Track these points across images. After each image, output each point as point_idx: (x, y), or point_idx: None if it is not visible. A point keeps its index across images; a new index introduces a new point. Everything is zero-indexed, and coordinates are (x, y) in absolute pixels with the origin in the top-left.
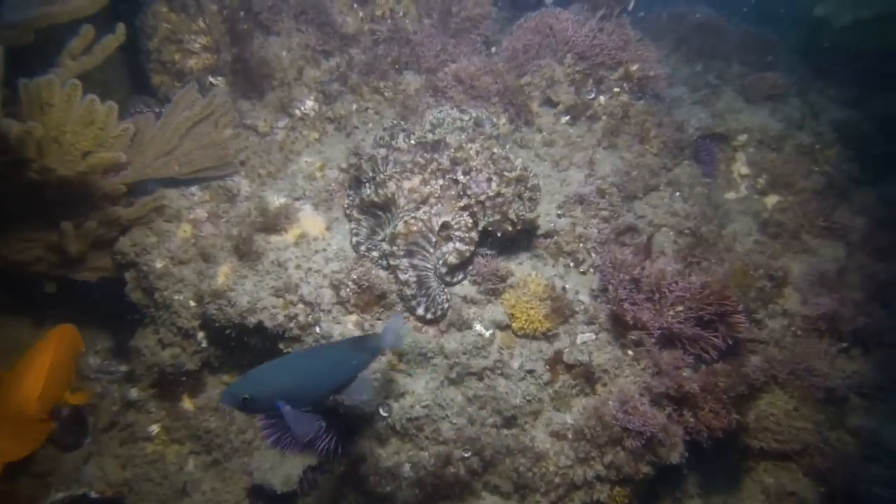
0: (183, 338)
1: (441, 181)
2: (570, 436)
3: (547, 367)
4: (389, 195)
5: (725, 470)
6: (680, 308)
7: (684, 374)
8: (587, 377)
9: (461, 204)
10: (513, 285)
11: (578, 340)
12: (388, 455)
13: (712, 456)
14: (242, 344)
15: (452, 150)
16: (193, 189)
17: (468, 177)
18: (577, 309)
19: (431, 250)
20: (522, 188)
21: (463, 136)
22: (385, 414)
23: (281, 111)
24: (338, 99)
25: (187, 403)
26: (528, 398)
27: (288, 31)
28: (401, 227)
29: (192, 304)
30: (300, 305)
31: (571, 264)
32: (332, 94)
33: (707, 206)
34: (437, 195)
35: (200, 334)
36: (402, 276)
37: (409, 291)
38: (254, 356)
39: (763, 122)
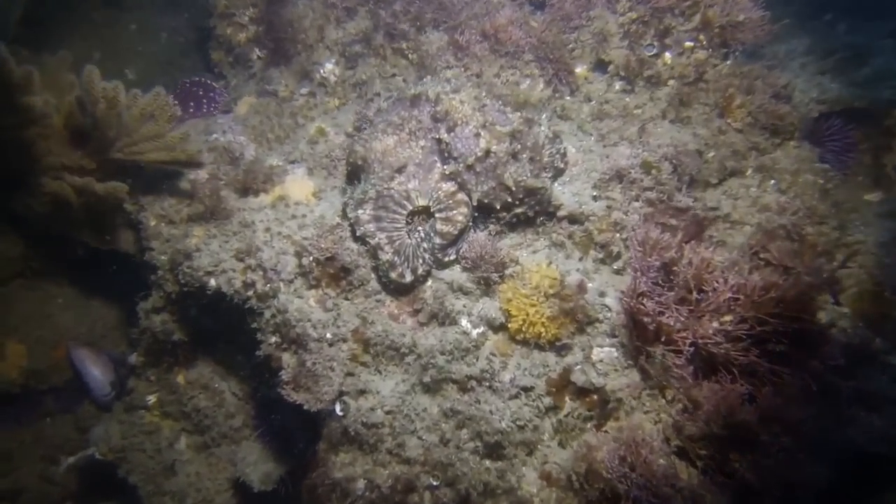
0: (168, 303)
1: (422, 142)
2: (562, 481)
3: (552, 388)
4: (359, 161)
5: None
6: (728, 318)
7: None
8: (604, 407)
9: (447, 170)
10: (513, 275)
11: (594, 356)
12: (340, 465)
13: None
14: (216, 315)
15: (433, 104)
16: (200, 150)
17: (452, 134)
18: (599, 315)
19: (403, 216)
20: (519, 146)
21: (447, 87)
22: (340, 413)
23: (304, 77)
24: (359, 62)
25: (179, 377)
26: (518, 423)
27: None
28: (371, 193)
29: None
30: (259, 272)
31: (603, 258)
32: (354, 56)
33: (820, 202)
34: (417, 161)
35: (184, 301)
36: (373, 241)
37: (384, 257)
38: (234, 332)
39: None
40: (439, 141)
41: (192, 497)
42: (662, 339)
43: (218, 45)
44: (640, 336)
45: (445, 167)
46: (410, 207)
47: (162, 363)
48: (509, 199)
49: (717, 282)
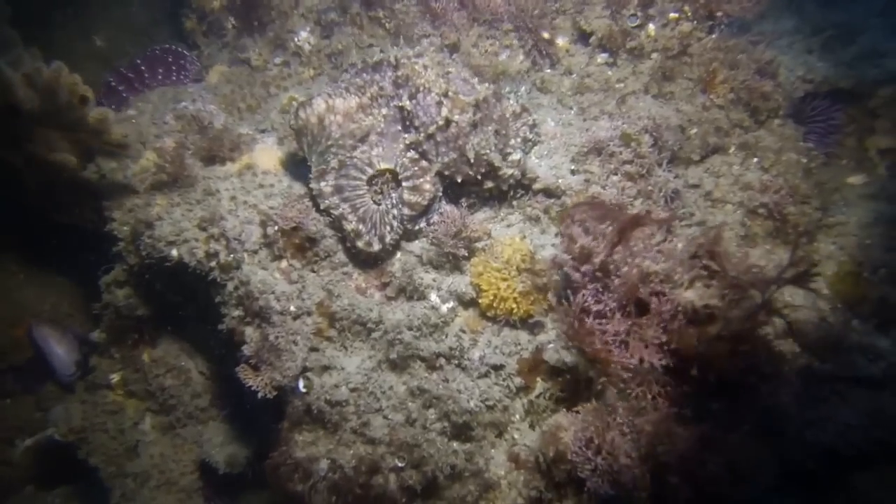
0: (132, 276)
1: (384, 110)
2: (530, 464)
3: (524, 367)
4: (313, 119)
5: None
6: (664, 339)
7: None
8: (576, 388)
9: (408, 139)
10: (485, 248)
11: None
12: (302, 444)
13: None
14: (181, 289)
15: (394, 69)
16: (168, 118)
17: (414, 101)
18: None
19: (364, 181)
20: (483, 117)
21: (410, 51)
22: (303, 390)
23: (278, 46)
24: (335, 31)
25: (145, 355)
26: (487, 403)
27: None
28: (333, 162)
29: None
30: (222, 241)
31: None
32: (330, 24)
33: (803, 182)
34: (379, 130)
35: (148, 274)
36: (336, 213)
37: (349, 226)
38: (200, 306)
39: None
40: (401, 109)
41: (155, 479)
42: (601, 360)
43: (191, 13)
44: (584, 356)
45: (406, 136)
46: (371, 172)
47: (126, 340)
48: (471, 173)
49: (655, 299)
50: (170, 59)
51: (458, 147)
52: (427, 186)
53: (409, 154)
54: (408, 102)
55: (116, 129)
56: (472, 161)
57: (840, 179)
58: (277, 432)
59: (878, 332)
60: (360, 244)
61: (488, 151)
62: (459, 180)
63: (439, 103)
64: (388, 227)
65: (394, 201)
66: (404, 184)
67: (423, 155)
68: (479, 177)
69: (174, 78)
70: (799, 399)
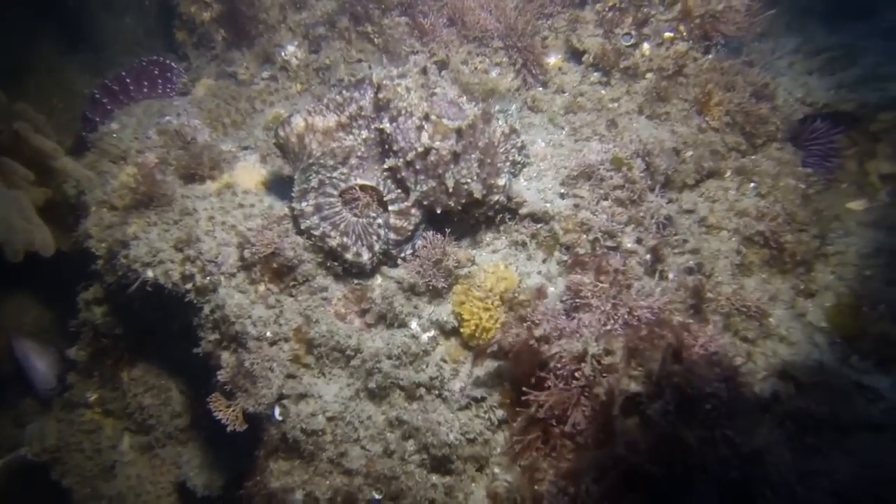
0: (109, 295)
1: (364, 133)
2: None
3: (506, 399)
4: (293, 138)
5: None
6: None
7: None
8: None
9: (387, 164)
10: (468, 276)
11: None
12: (277, 473)
13: None
14: (160, 308)
15: (375, 90)
16: (151, 133)
17: (395, 124)
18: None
19: (337, 196)
20: (466, 144)
21: (394, 72)
22: (279, 418)
23: (266, 60)
24: (323, 45)
25: (123, 373)
26: (468, 436)
27: None
28: (314, 181)
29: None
30: (198, 263)
31: (568, 260)
32: (318, 38)
33: (801, 209)
34: (360, 154)
35: (125, 293)
36: (317, 233)
37: (333, 242)
38: (180, 326)
39: None
40: (381, 131)
41: (130, 501)
42: None
43: (182, 25)
44: None
45: (386, 161)
46: (343, 186)
47: (104, 358)
48: (451, 203)
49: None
50: (156, 72)
51: (438, 176)
52: (414, 210)
53: (391, 181)
54: (388, 126)
55: None
56: (451, 190)
57: (840, 205)
58: (254, 459)
59: (878, 371)
60: (348, 256)
61: (469, 181)
62: (438, 211)
63: (419, 128)
64: (375, 237)
65: (374, 214)
66: (391, 207)
67: (401, 182)
68: (459, 208)
69: (160, 91)
70: (792, 448)
